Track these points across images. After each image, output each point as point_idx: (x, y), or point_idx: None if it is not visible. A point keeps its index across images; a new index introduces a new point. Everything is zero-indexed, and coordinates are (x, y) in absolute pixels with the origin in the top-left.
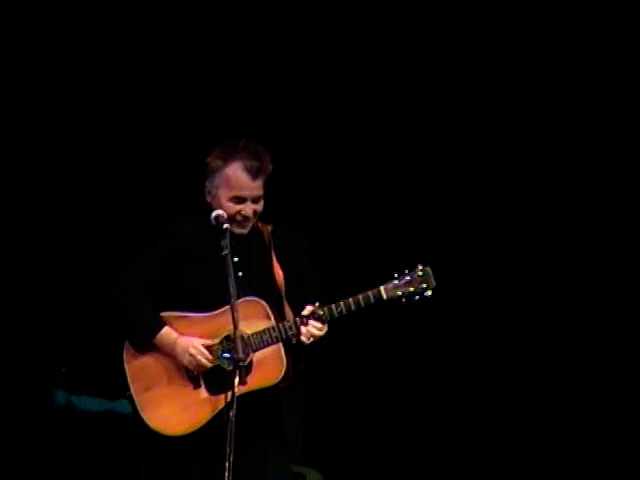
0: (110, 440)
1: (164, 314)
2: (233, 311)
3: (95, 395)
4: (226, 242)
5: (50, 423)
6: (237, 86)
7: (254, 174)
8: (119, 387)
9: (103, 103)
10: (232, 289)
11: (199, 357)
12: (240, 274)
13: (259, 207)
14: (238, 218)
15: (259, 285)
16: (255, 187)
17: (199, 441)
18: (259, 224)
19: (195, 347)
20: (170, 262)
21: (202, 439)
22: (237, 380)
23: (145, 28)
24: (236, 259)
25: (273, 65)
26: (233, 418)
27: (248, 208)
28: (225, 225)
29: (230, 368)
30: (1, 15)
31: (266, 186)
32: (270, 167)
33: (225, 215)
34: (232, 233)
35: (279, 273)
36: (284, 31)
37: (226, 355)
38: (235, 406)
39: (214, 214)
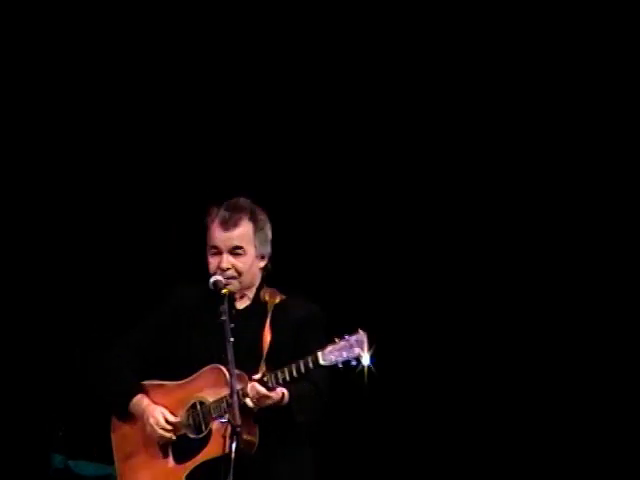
0: None
1: (146, 382)
2: (231, 376)
3: (92, 460)
4: (224, 307)
5: None
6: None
7: (226, 225)
8: None
9: (103, 115)
10: (230, 355)
11: (156, 427)
12: (232, 339)
13: (239, 263)
14: (219, 274)
15: (243, 351)
16: (228, 238)
17: None
18: (267, 296)
19: (154, 417)
20: (166, 328)
21: None
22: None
23: (148, 30)
24: (232, 325)
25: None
26: None
27: (224, 262)
28: (224, 290)
29: (194, 436)
30: (1, 15)
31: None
32: (258, 221)
33: (223, 280)
34: (232, 300)
35: (266, 340)
36: (283, 39)
37: (189, 423)
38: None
39: (212, 279)
